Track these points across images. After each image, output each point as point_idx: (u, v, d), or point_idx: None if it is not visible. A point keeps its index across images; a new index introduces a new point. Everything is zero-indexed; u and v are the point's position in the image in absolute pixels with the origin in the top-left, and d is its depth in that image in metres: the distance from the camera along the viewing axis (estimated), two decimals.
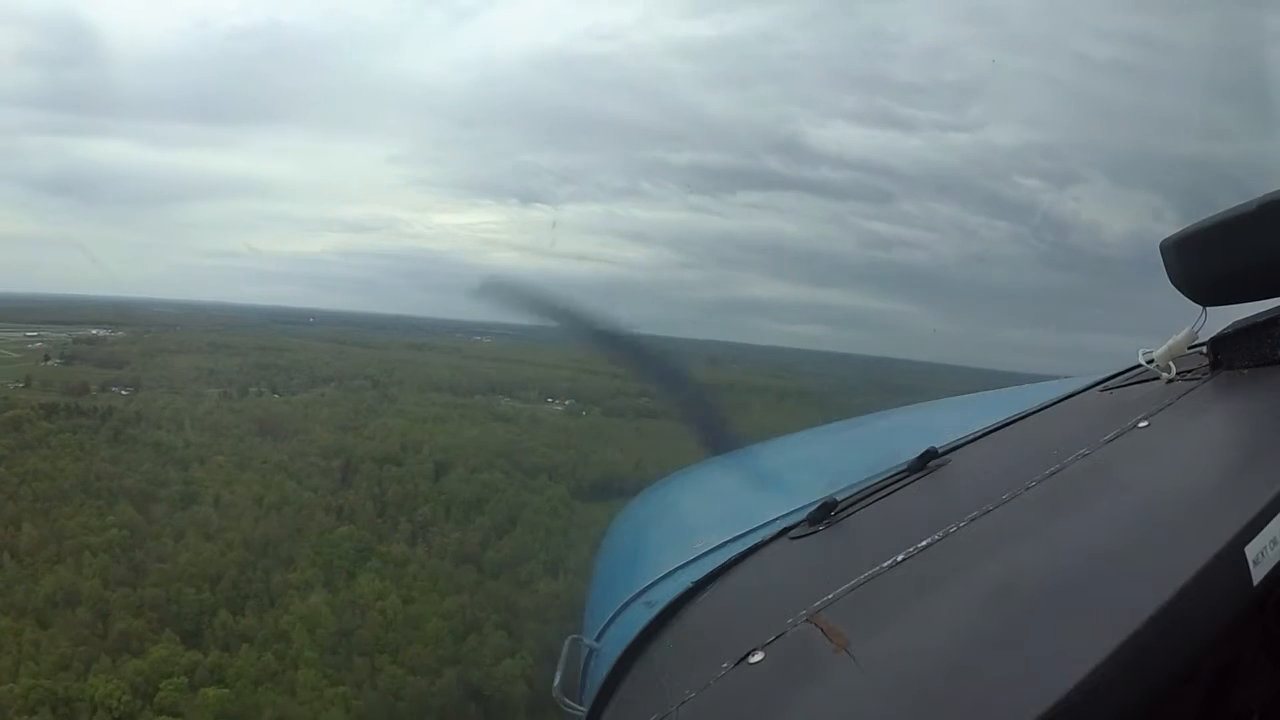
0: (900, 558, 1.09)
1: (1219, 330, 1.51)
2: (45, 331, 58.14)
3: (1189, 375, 1.51)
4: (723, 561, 1.43)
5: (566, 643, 1.55)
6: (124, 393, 49.05)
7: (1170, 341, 1.54)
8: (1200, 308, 1.50)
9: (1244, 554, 0.86)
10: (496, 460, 35.86)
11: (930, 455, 1.52)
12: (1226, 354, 1.50)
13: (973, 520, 1.13)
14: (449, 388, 52.28)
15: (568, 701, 1.45)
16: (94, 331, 58.48)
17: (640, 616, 1.42)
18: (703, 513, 2.37)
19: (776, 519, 1.54)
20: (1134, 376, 1.63)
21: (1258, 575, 0.86)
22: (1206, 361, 1.53)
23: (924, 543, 1.10)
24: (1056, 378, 2.33)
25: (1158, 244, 1.55)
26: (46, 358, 54.73)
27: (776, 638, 1.01)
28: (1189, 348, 1.55)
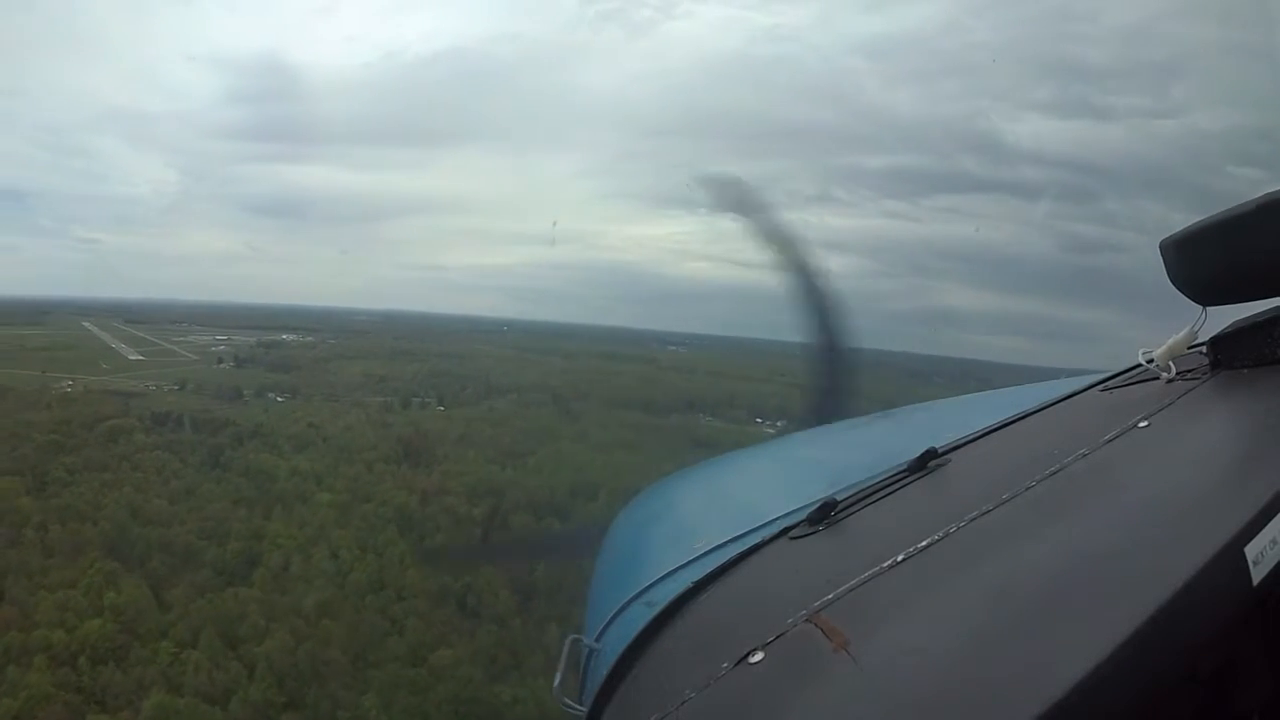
0: (900, 558, 1.08)
1: (1219, 330, 1.51)
2: (236, 336, 59.42)
3: (1189, 375, 1.52)
4: (723, 561, 1.40)
5: (566, 643, 1.54)
6: (279, 399, 47.85)
7: (1170, 341, 1.54)
8: (1200, 308, 1.49)
9: (1244, 554, 0.86)
10: None
11: (930, 455, 1.50)
12: (1226, 354, 1.51)
13: (973, 520, 1.12)
14: (640, 404, 45.33)
15: (568, 701, 1.44)
16: (283, 336, 59.35)
17: (640, 616, 1.40)
18: (703, 513, 2.32)
19: (776, 519, 1.51)
20: (1134, 376, 1.64)
21: (1258, 575, 0.87)
22: (1206, 361, 1.54)
23: (924, 543, 1.09)
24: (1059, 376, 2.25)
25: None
26: (220, 360, 55.34)
27: (776, 638, 1.00)
28: (1189, 348, 1.55)
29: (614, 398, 44.38)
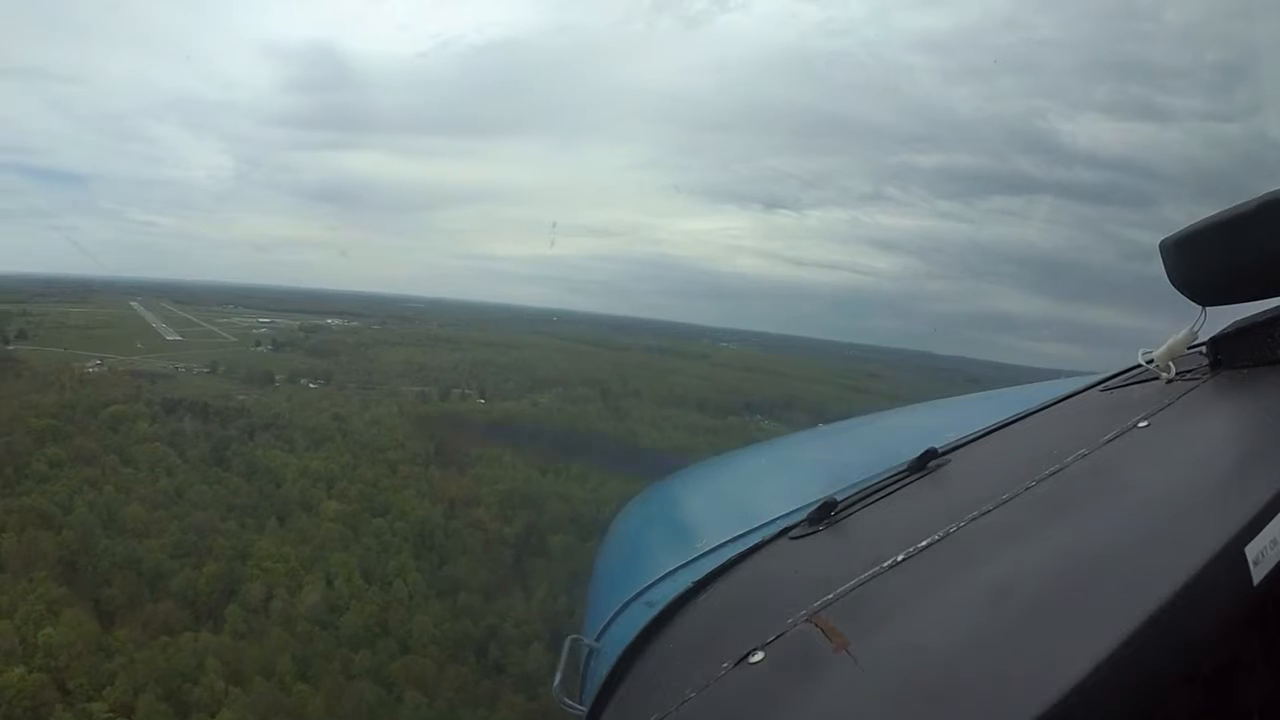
0: (900, 558, 1.08)
1: (1219, 330, 1.51)
2: (280, 319, 57.73)
3: (1189, 375, 1.52)
4: (723, 561, 1.40)
5: (566, 642, 1.51)
6: (311, 385, 45.26)
7: (1170, 341, 1.54)
8: (1200, 308, 1.49)
9: (1244, 554, 0.86)
10: None
11: (930, 455, 1.50)
12: (1226, 354, 1.51)
13: (973, 520, 1.12)
14: (695, 403, 40.31)
15: (568, 701, 1.42)
16: (328, 321, 57.31)
17: (640, 616, 1.39)
18: (703, 513, 2.29)
19: (776, 519, 1.50)
20: (1134, 376, 1.63)
21: (1258, 575, 0.87)
22: (1206, 361, 1.54)
23: (924, 543, 1.09)
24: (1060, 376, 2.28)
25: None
26: (258, 343, 53.04)
27: (776, 638, 1.00)
28: (1189, 348, 1.55)
29: (666, 395, 40.67)
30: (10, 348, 46.33)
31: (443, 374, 45.39)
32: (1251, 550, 0.86)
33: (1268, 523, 0.89)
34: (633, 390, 41.56)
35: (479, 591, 28.28)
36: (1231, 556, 0.85)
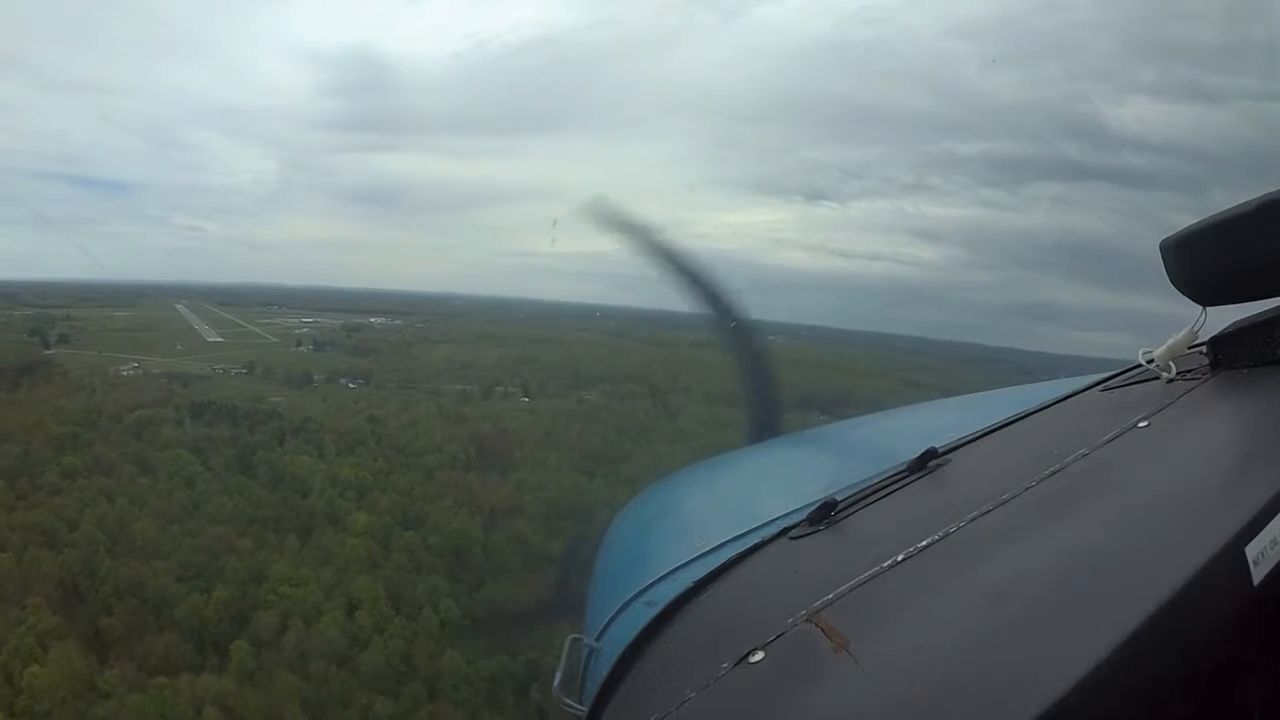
0: (900, 558, 1.08)
1: (1219, 330, 1.53)
2: (323, 319, 56.43)
3: (1189, 375, 1.53)
4: (723, 561, 1.40)
5: (567, 642, 1.53)
6: (350, 385, 43.58)
7: (1170, 341, 1.55)
8: (1200, 308, 1.51)
9: (1244, 554, 0.87)
10: None
11: (930, 455, 1.50)
12: (1226, 354, 1.52)
13: (973, 520, 1.13)
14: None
15: (568, 701, 1.43)
16: (370, 320, 56.22)
17: (640, 616, 1.40)
18: (703, 513, 2.30)
19: (776, 519, 1.51)
20: (1134, 376, 1.64)
21: (1258, 575, 0.87)
22: (1206, 361, 1.55)
23: (924, 543, 1.10)
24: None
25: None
26: (299, 343, 52.11)
27: (776, 638, 1.00)
28: (1189, 348, 1.56)
29: (716, 391, 36.87)
30: (50, 351, 48.12)
31: (485, 372, 43.71)
32: (1251, 550, 0.87)
33: (1268, 523, 0.89)
34: (682, 387, 39.36)
35: (520, 619, 24.46)
36: (1231, 556, 0.86)
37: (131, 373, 42.15)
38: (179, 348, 47.59)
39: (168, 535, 25.10)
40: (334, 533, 27.20)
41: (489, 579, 26.90)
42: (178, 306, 56.39)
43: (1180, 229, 1.47)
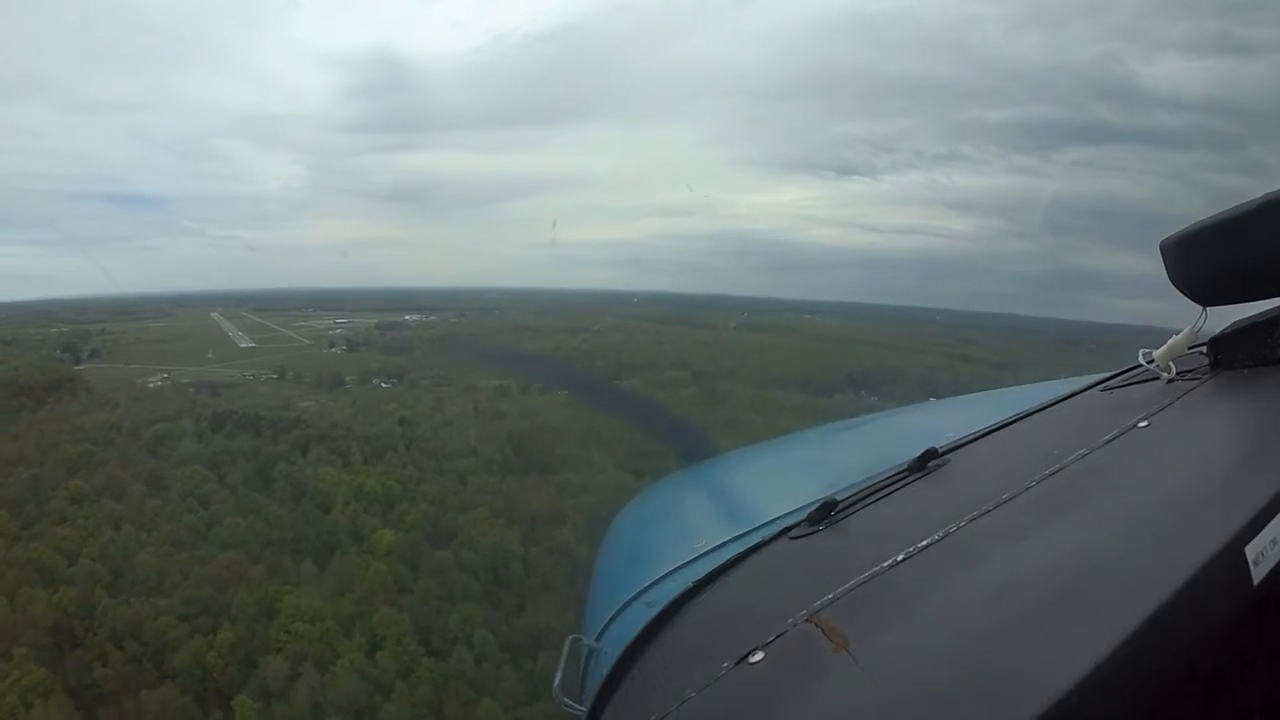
0: (900, 558, 1.08)
1: (1219, 330, 1.55)
2: (358, 319, 54.69)
3: (1189, 375, 1.55)
4: (723, 561, 1.39)
5: (567, 642, 1.51)
6: (383, 385, 41.88)
7: (1170, 341, 1.56)
8: (1200, 308, 1.53)
9: (1244, 554, 0.88)
10: None
11: (930, 455, 1.50)
12: (1226, 354, 1.54)
13: (973, 520, 1.13)
14: (795, 382, 35.58)
15: (568, 701, 1.42)
16: (406, 317, 54.66)
17: (640, 616, 1.39)
18: (703, 513, 2.28)
19: (776, 519, 1.50)
20: (1134, 376, 1.66)
21: (1258, 575, 0.88)
22: (1206, 361, 1.57)
23: (924, 543, 1.10)
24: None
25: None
26: (332, 345, 50.60)
27: (776, 638, 1.00)
28: (1189, 348, 1.58)
29: (763, 375, 36.40)
30: (81, 367, 47.29)
31: (525, 365, 42.33)
32: (1251, 550, 0.87)
33: (1268, 523, 0.90)
34: (726, 370, 37.18)
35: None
36: (1231, 556, 0.86)
37: (159, 384, 41.29)
38: (210, 356, 46.60)
39: (173, 566, 22.61)
40: (356, 553, 24.24)
41: (530, 600, 23.46)
42: (213, 315, 56.32)
43: (1180, 229, 1.47)
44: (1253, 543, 0.87)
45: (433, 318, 54.29)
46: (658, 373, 38.05)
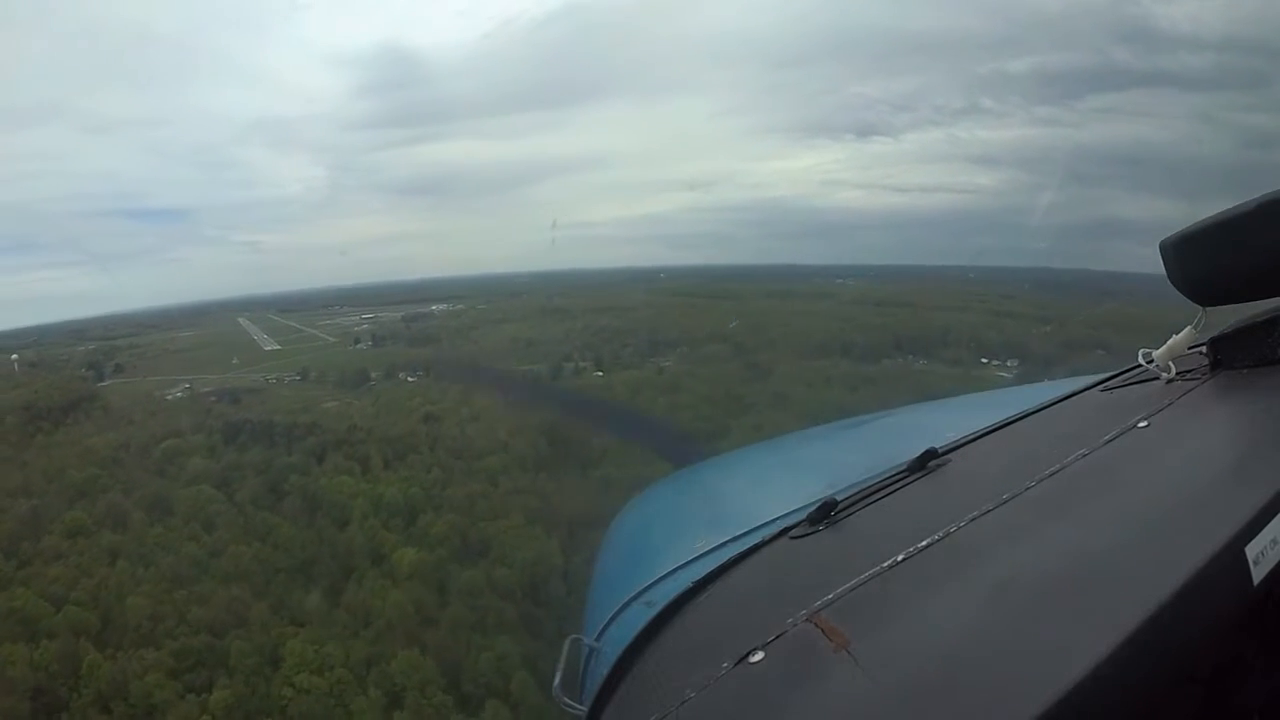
0: (900, 558, 1.09)
1: (1219, 330, 1.56)
2: (383, 313, 54.39)
3: (1189, 375, 1.56)
4: (723, 561, 1.40)
5: (567, 642, 1.52)
6: (409, 379, 40.15)
7: (1170, 341, 1.58)
8: (1200, 308, 1.54)
9: (1244, 554, 0.88)
10: None
11: (930, 455, 1.51)
12: (1226, 354, 1.54)
13: (973, 520, 1.14)
14: (838, 349, 33.97)
15: (568, 701, 1.41)
16: (432, 308, 53.68)
17: (640, 616, 1.39)
18: (703, 513, 2.26)
19: (776, 519, 1.51)
20: (1134, 376, 1.67)
21: (1258, 575, 0.88)
22: (1206, 361, 1.58)
23: (924, 543, 1.10)
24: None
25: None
26: (357, 341, 49.72)
27: (776, 638, 1.01)
28: (1189, 348, 1.59)
29: (804, 344, 33.90)
30: (104, 384, 46.06)
31: (552, 347, 39.21)
32: (1251, 550, 0.88)
33: (1268, 523, 0.90)
34: (767, 341, 34.76)
35: None
36: (1231, 556, 0.87)
37: (178, 396, 40.23)
38: (235, 361, 45.68)
39: (168, 608, 19.90)
40: (375, 577, 21.02)
41: (573, 625, 19.78)
42: (240, 320, 55.84)
43: (1180, 229, 1.48)
44: (1253, 543, 0.87)
45: (459, 306, 53.47)
46: (695, 348, 35.58)
